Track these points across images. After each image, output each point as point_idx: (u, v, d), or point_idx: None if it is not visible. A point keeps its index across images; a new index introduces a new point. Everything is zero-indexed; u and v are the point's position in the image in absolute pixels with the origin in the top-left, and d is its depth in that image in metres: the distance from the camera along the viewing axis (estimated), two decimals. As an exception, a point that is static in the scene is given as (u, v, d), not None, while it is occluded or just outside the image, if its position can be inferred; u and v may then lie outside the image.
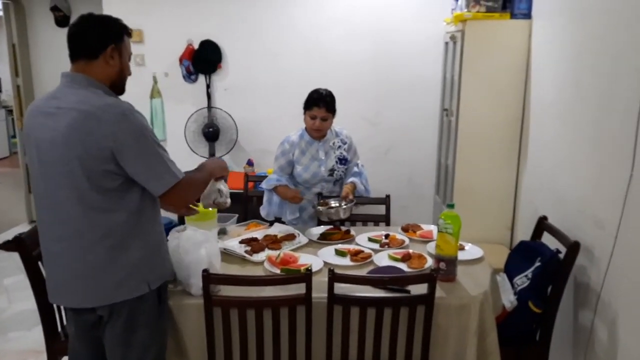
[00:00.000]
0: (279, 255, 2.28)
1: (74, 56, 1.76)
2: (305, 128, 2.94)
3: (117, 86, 1.81)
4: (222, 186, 2.17)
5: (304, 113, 2.89)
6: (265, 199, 3.04)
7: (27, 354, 3.04)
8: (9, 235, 4.73)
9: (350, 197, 2.79)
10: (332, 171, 2.94)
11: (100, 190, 1.68)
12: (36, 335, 2.30)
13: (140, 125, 1.69)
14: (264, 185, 2.97)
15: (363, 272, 2.19)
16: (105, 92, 1.74)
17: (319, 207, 2.69)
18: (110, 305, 1.76)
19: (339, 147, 2.97)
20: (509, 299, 2.28)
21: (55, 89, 1.77)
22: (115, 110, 1.66)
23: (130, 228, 1.75)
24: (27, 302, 2.05)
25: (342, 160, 2.97)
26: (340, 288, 1.91)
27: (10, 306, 3.66)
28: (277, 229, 2.67)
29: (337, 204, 2.72)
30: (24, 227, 5.15)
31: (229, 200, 2.22)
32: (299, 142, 2.92)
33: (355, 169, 3.03)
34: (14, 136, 7.95)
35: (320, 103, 2.81)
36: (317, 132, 2.89)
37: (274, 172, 2.97)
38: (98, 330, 1.83)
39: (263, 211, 3.06)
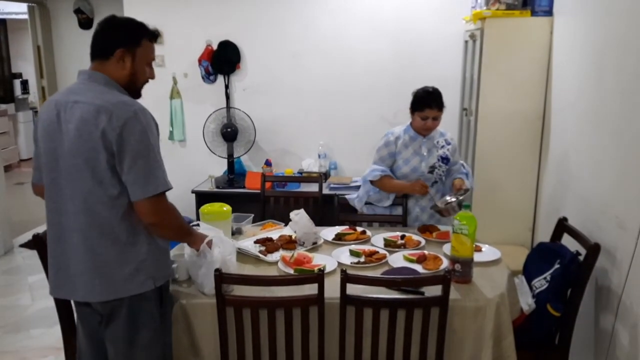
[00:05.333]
0: (292, 255, 2.27)
1: (92, 55, 1.81)
2: (411, 124, 2.87)
3: (131, 90, 1.83)
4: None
5: (412, 113, 2.81)
6: (363, 189, 2.96)
7: (48, 351, 3.11)
8: (33, 233, 4.82)
9: (464, 187, 2.74)
10: (432, 168, 2.85)
11: (103, 184, 1.70)
12: (57, 332, 2.34)
13: (147, 125, 1.71)
14: (368, 177, 2.87)
15: (377, 273, 2.17)
16: (119, 91, 1.77)
17: (438, 204, 2.67)
18: (112, 303, 1.76)
19: (443, 146, 2.88)
20: (526, 302, 2.23)
21: (73, 84, 1.82)
22: (127, 108, 1.69)
23: (136, 224, 1.76)
24: (50, 299, 2.08)
25: (445, 160, 2.86)
26: (354, 289, 1.89)
27: (34, 303, 3.74)
28: (293, 229, 2.64)
29: (454, 198, 2.66)
30: (48, 226, 5.23)
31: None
32: (403, 135, 2.86)
33: (463, 169, 2.96)
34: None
35: (433, 103, 2.73)
36: (427, 131, 2.83)
37: (374, 163, 2.89)
38: (100, 332, 1.85)
39: (355, 195, 3.01)
